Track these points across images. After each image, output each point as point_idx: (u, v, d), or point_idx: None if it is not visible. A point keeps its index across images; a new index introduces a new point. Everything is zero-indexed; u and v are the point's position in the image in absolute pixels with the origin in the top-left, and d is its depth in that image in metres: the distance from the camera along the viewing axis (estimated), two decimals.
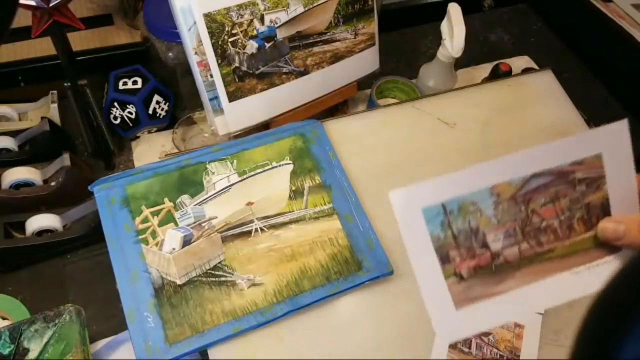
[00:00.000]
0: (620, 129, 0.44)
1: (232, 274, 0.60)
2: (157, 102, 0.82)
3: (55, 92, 0.83)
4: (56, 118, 0.82)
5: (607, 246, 0.45)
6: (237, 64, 0.71)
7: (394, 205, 0.42)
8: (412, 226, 0.43)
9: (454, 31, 0.78)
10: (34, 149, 0.78)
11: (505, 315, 0.45)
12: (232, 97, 0.71)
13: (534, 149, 0.44)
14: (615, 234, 0.44)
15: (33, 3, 0.61)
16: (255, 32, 0.71)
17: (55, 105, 0.82)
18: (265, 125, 0.76)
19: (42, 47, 0.81)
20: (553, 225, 0.44)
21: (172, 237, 0.61)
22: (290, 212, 0.65)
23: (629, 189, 0.45)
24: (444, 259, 0.43)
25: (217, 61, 0.69)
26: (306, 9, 0.73)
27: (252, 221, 0.63)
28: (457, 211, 0.43)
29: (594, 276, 0.44)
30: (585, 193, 0.45)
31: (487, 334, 0.59)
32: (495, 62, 0.93)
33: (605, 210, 0.45)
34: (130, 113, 0.80)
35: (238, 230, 0.63)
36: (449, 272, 0.43)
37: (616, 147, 0.44)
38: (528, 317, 0.59)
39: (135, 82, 0.80)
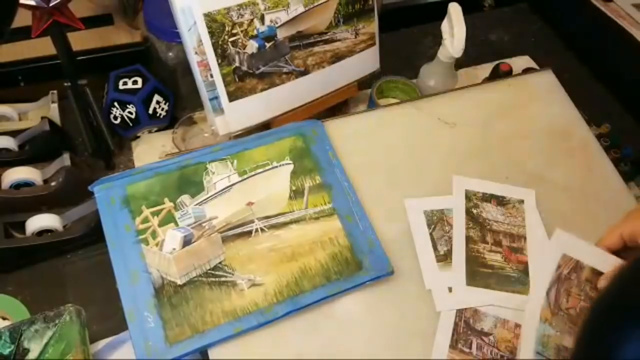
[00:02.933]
0: None
1: (233, 274, 0.60)
2: (157, 102, 0.81)
3: (55, 92, 0.83)
4: (56, 118, 0.82)
5: None
6: (237, 64, 0.71)
7: None
8: None
9: (454, 31, 0.78)
10: (34, 149, 0.78)
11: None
12: (233, 97, 0.71)
13: None
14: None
15: (33, 3, 0.61)
16: (255, 31, 0.71)
17: (56, 105, 0.82)
18: (265, 125, 0.76)
19: (42, 47, 0.81)
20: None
21: (172, 237, 0.61)
22: (290, 212, 0.65)
23: None
24: None
25: (217, 61, 0.69)
26: (306, 8, 0.73)
27: (252, 221, 0.63)
28: None
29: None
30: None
31: (487, 334, 0.59)
32: (495, 62, 0.93)
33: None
34: (131, 113, 0.80)
35: (238, 230, 0.63)
36: None
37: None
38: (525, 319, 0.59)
39: (135, 82, 0.80)
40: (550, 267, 0.60)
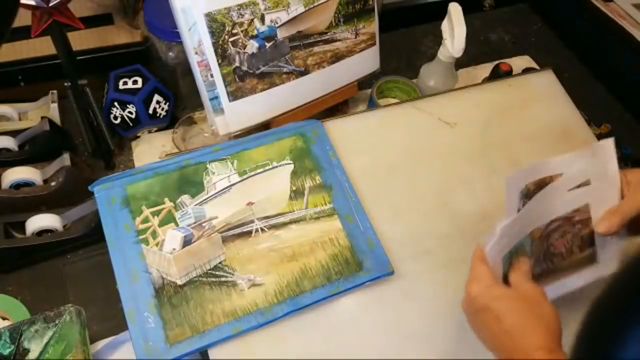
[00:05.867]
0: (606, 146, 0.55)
1: (233, 274, 0.60)
2: (158, 102, 0.81)
3: (55, 91, 0.83)
4: (56, 118, 0.82)
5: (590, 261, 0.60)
6: (237, 64, 0.71)
7: None
8: None
9: (454, 31, 0.78)
10: (34, 149, 0.78)
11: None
12: (233, 97, 0.71)
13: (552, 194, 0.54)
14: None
15: (33, 3, 0.61)
16: (255, 31, 0.71)
17: (55, 105, 0.82)
18: (265, 125, 0.76)
19: (42, 46, 0.81)
20: (561, 251, 0.59)
21: (172, 237, 0.61)
22: (290, 212, 0.65)
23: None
24: None
25: (218, 61, 0.69)
26: (307, 8, 0.73)
27: (252, 221, 0.63)
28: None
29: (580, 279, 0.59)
30: (580, 229, 0.58)
31: None
32: (495, 62, 0.93)
33: (591, 239, 0.59)
34: (131, 113, 0.80)
35: (238, 230, 0.63)
36: None
37: (603, 171, 0.55)
38: None
39: (135, 82, 0.80)
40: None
